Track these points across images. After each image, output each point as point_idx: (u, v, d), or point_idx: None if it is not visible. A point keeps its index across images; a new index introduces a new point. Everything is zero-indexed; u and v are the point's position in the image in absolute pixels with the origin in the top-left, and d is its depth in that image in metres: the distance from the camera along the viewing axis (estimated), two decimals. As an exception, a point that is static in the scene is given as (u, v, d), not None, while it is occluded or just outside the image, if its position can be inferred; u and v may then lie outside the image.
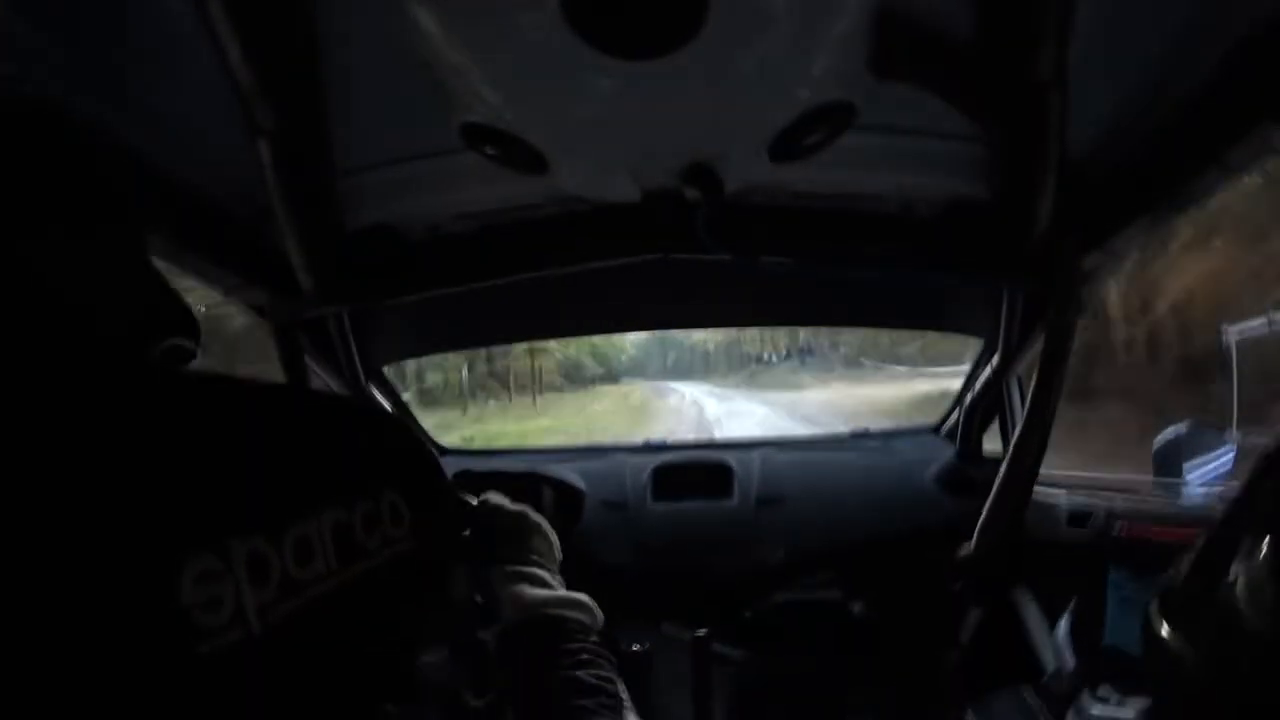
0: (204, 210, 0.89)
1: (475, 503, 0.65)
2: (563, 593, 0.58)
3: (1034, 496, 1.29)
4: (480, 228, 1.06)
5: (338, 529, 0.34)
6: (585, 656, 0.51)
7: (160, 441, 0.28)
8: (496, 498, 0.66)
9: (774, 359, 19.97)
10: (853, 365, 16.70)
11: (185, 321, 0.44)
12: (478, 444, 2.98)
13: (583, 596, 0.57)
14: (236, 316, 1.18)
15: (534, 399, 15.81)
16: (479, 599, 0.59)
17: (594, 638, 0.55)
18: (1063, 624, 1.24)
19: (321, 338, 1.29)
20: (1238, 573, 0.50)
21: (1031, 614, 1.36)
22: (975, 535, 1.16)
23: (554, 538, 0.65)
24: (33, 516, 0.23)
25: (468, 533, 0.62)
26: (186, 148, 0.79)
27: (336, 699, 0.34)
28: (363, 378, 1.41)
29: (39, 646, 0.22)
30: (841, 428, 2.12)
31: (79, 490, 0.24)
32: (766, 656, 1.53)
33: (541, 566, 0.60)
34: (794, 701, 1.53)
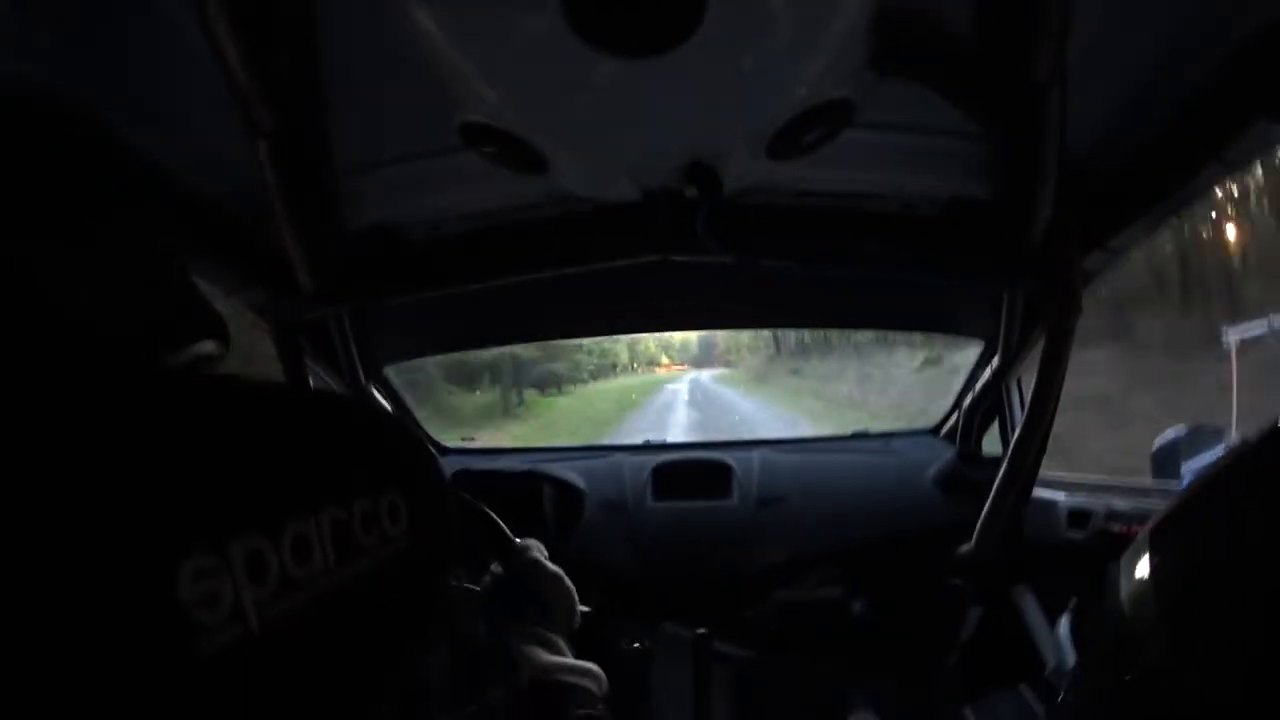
0: (204, 210, 0.89)
1: (517, 544, 0.68)
2: (575, 661, 0.60)
3: (1034, 496, 1.29)
4: (480, 228, 1.06)
5: (337, 528, 0.34)
6: None
7: (156, 439, 0.28)
8: (538, 553, 0.68)
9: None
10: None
11: (211, 325, 0.44)
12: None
13: (593, 666, 0.60)
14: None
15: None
16: (486, 645, 0.60)
17: (600, 706, 0.57)
18: (1063, 624, 1.24)
19: (321, 338, 1.29)
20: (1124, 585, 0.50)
21: (1032, 613, 1.36)
22: (975, 535, 1.16)
23: (576, 605, 0.68)
24: (28, 514, 0.23)
25: (498, 579, 0.64)
26: (186, 148, 0.79)
27: (335, 698, 0.34)
28: (363, 378, 1.40)
29: (35, 643, 0.22)
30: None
31: (73, 487, 0.24)
32: (766, 656, 1.53)
33: (558, 632, 0.63)
34: (794, 701, 1.52)
